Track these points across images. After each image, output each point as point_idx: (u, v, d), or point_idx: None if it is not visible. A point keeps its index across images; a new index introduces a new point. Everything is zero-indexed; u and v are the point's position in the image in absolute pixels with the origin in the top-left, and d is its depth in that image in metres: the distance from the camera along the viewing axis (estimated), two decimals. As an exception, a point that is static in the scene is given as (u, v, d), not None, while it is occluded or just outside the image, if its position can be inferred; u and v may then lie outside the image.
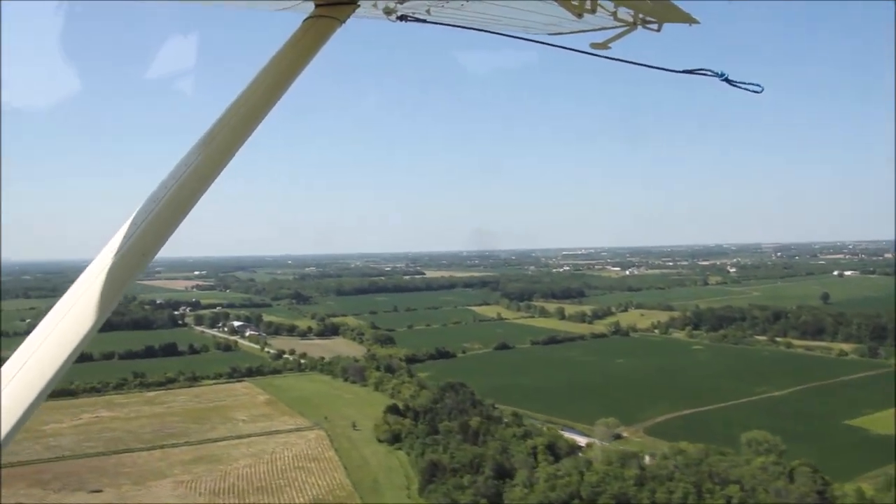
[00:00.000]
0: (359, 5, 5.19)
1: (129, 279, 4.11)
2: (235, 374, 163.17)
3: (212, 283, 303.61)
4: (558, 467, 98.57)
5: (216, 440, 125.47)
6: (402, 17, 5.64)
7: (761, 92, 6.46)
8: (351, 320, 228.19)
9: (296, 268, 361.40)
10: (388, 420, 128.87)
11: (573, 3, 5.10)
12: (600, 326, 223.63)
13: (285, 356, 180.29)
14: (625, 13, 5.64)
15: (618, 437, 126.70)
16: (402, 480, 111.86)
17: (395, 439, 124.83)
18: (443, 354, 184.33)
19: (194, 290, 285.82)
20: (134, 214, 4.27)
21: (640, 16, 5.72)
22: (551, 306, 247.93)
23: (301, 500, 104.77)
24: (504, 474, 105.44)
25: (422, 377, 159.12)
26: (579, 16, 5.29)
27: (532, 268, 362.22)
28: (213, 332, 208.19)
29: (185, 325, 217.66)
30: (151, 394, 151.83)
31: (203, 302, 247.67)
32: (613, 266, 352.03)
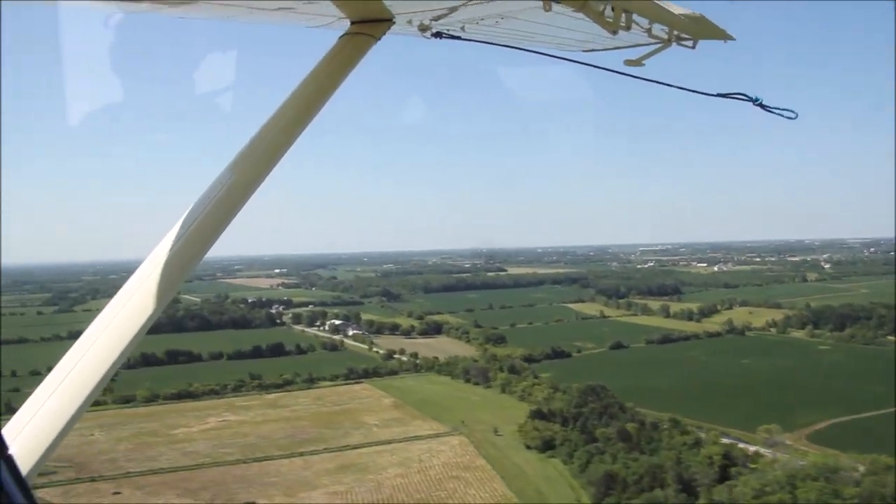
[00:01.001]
0: (394, 22, 5.14)
1: (168, 292, 4.14)
2: (352, 376, 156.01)
3: (296, 281, 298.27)
4: (764, 481, 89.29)
5: (355, 447, 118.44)
6: (437, 35, 5.62)
7: (795, 118, 6.66)
8: (448, 318, 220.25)
9: (373, 265, 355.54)
10: (536, 426, 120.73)
11: (607, 19, 4.95)
12: (711, 325, 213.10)
13: (396, 356, 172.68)
14: (659, 30, 5.61)
15: (773, 444, 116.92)
16: (567, 492, 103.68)
17: (546, 446, 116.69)
18: (558, 354, 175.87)
19: (280, 287, 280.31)
20: (178, 225, 4.34)
21: (675, 32, 5.72)
22: (653, 304, 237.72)
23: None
24: (686, 488, 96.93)
25: (543, 378, 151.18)
26: (614, 32, 5.11)
27: (614, 264, 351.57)
28: (314, 330, 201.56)
29: (283, 324, 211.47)
30: (271, 396, 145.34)
31: (294, 300, 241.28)
32: (699, 262, 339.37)
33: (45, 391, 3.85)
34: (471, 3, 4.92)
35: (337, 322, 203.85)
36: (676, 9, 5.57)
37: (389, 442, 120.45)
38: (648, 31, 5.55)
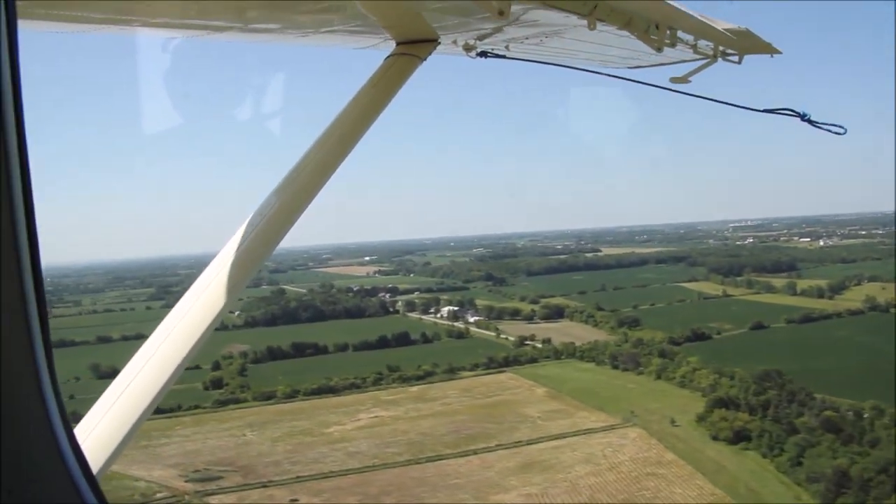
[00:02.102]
0: (439, 42, 5.17)
1: (226, 302, 4.58)
2: (492, 365, 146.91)
3: (391, 268, 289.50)
4: None
5: (529, 442, 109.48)
6: (482, 54, 5.65)
7: (844, 134, 6.56)
8: (561, 301, 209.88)
9: (461, 249, 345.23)
10: (724, 416, 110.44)
11: (653, 37, 4.97)
12: (846, 302, 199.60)
13: (528, 343, 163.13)
14: (705, 45, 5.63)
15: None
16: (781, 489, 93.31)
17: (737, 438, 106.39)
18: (698, 336, 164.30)
19: (377, 275, 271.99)
20: (237, 242, 4.60)
21: (721, 48, 5.76)
22: (776, 281, 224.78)
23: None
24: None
25: (692, 361, 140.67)
26: (659, 49, 5.15)
27: (711, 241, 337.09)
28: (430, 318, 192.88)
29: (395, 311, 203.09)
30: (414, 389, 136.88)
31: (400, 287, 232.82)
32: (801, 237, 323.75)
33: (115, 390, 4.12)
34: (515, 22, 4.72)
35: (453, 309, 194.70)
36: (721, 24, 5.47)
37: (563, 436, 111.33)
38: (693, 47, 5.48)
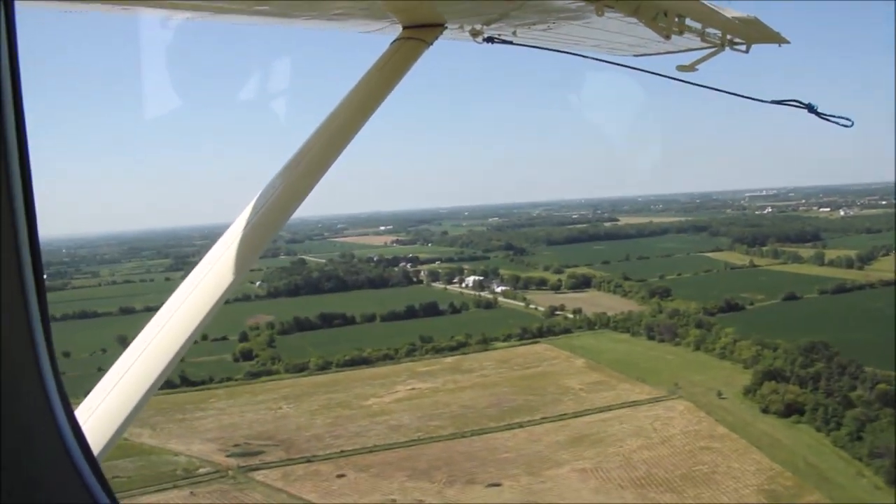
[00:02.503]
0: (446, 27, 5.21)
1: (232, 280, 4.44)
2: (526, 336, 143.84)
3: (410, 238, 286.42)
4: None
5: (575, 415, 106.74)
6: (489, 40, 5.61)
7: (851, 126, 6.63)
8: (586, 271, 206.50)
9: (476, 219, 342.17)
10: (775, 388, 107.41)
11: (661, 24, 4.98)
12: (876, 272, 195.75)
13: (558, 313, 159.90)
14: (712, 34, 5.60)
15: None
16: (839, 463, 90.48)
17: (788, 411, 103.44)
18: (731, 307, 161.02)
19: (395, 245, 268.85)
20: (244, 221, 4.61)
21: (728, 36, 5.72)
22: (803, 252, 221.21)
23: (748, 491, 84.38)
24: None
25: (729, 332, 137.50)
26: (667, 37, 5.18)
27: (729, 210, 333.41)
28: (455, 288, 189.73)
29: (419, 281, 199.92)
30: (449, 360, 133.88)
31: (420, 257, 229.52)
32: (820, 207, 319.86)
33: (120, 368, 4.04)
34: (522, 8, 4.80)
35: (478, 279, 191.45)
36: (730, 12, 5.44)
37: (609, 408, 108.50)
38: (701, 35, 5.43)
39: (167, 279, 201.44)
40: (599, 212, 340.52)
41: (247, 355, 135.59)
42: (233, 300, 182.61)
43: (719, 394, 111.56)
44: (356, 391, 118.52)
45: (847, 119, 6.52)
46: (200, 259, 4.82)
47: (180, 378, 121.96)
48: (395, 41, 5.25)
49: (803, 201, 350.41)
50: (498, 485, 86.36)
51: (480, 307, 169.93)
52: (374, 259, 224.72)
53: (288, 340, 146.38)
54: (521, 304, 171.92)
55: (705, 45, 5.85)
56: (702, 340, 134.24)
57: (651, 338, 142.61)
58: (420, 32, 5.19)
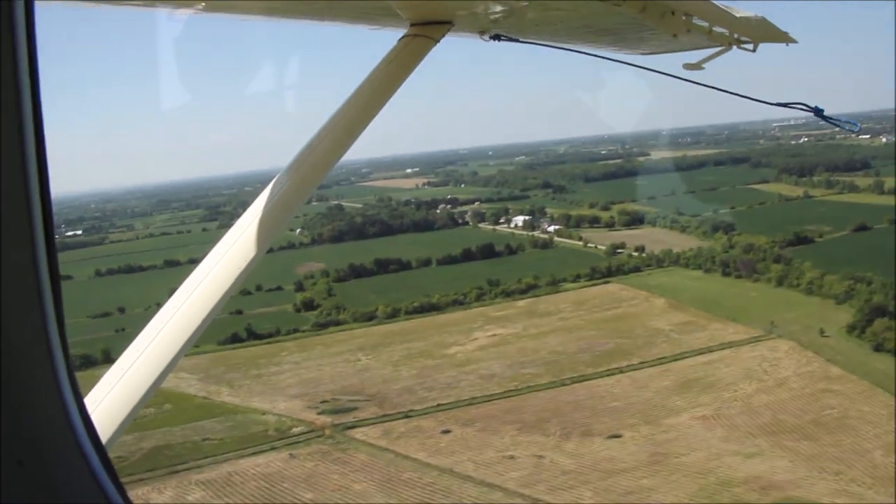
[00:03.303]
0: (453, 25, 5.19)
1: (240, 273, 4.50)
2: (596, 275, 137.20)
3: (439, 179, 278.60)
4: None
5: (675, 358, 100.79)
6: (496, 37, 5.60)
7: (858, 130, 12.84)
8: (634, 207, 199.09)
9: (502, 158, 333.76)
10: (889, 325, 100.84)
11: (668, 23, 4.98)
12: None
13: (619, 251, 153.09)
14: (719, 33, 5.67)
15: None
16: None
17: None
18: (801, 240, 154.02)
19: (426, 187, 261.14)
20: (253, 214, 4.65)
21: (735, 35, 5.80)
22: (860, 181, 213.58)
23: (892, 438, 78.12)
24: None
25: (805, 266, 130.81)
26: (674, 36, 5.22)
27: (762, 141, 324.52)
28: (503, 228, 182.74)
29: (465, 223, 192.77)
30: (521, 303, 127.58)
31: (460, 198, 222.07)
32: (861, 134, 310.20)
33: (130, 357, 4.07)
34: (530, 6, 4.78)
35: (526, 218, 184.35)
36: (738, 11, 5.51)
37: (708, 350, 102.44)
38: (709, 33, 5.46)
39: (204, 230, 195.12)
40: (627, 147, 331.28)
41: (308, 305, 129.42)
42: (277, 248, 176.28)
43: (822, 332, 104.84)
44: (433, 339, 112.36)
45: (854, 123, 6.80)
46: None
47: (246, 331, 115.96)
48: (402, 38, 5.12)
49: (837, 129, 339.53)
50: (618, 436, 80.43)
51: (537, 247, 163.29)
52: (413, 202, 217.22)
53: (346, 288, 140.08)
54: (578, 243, 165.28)
55: (712, 43, 5.77)
56: (784, 276, 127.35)
57: (727, 274, 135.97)
58: (428, 30, 5.07)
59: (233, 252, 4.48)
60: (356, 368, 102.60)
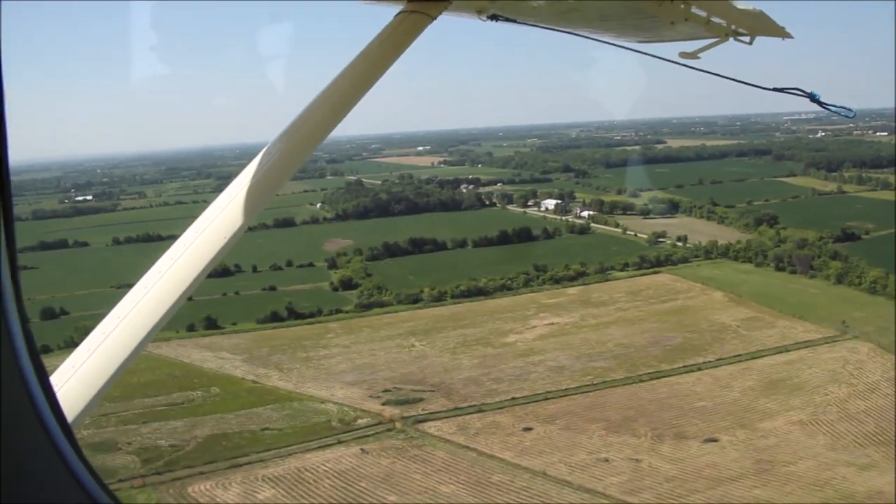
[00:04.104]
0: (451, 2, 5.08)
1: (224, 241, 4.44)
2: (645, 265, 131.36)
3: (454, 159, 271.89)
4: None
5: (752, 356, 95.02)
6: (494, 17, 5.50)
7: (853, 116, 6.78)
8: (665, 195, 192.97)
9: (513, 139, 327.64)
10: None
11: (666, 11, 4.95)
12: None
13: (661, 240, 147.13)
14: (717, 23, 5.64)
15: None
16: None
17: None
18: (848, 237, 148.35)
19: (442, 165, 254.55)
20: (242, 182, 4.56)
21: (733, 27, 5.80)
22: (892, 177, 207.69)
23: None
24: None
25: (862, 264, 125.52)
26: (672, 23, 5.20)
27: (777, 134, 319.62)
28: (534, 211, 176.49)
29: (492, 204, 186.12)
30: (573, 291, 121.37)
31: (482, 178, 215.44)
32: (878, 132, 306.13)
33: (104, 330, 3.94)
34: None
35: (557, 202, 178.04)
36: (737, 4, 5.53)
37: (785, 349, 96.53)
38: (706, 23, 5.47)
39: None
40: (641, 133, 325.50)
41: (347, 284, 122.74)
42: (301, 223, 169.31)
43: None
44: (487, 326, 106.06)
45: (849, 109, 6.39)
46: None
47: (287, 310, 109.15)
48: (399, 13, 5.03)
49: (851, 124, 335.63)
50: (715, 440, 74.39)
51: (574, 233, 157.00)
52: (435, 180, 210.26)
53: (381, 267, 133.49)
54: (616, 229, 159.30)
55: (709, 34, 5.72)
56: (844, 273, 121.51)
57: (780, 269, 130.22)
58: (425, 6, 4.98)
59: (219, 221, 4.26)
60: (412, 355, 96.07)
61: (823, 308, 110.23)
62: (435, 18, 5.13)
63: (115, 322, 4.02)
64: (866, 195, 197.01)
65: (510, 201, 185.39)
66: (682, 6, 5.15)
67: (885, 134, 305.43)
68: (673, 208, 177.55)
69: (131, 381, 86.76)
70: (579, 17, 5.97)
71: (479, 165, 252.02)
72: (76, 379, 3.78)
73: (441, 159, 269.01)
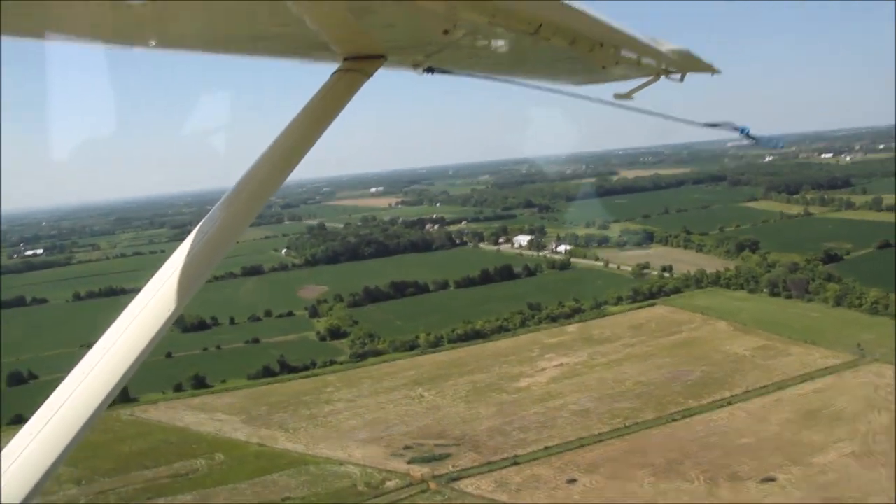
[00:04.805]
0: (386, 59, 5.08)
1: (169, 315, 4.10)
2: (639, 297, 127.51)
3: (412, 199, 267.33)
4: None
5: (778, 387, 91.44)
6: (429, 70, 5.52)
7: (782, 148, 16.57)
8: (634, 226, 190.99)
9: (463, 177, 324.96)
10: None
11: (597, 55, 4.99)
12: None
13: (646, 272, 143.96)
14: (648, 63, 5.70)
15: None
16: None
17: None
18: (832, 258, 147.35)
19: (400, 206, 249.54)
20: (184, 252, 4.32)
21: (663, 66, 5.90)
22: (856, 198, 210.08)
23: None
24: None
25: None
26: (603, 67, 5.27)
27: (726, 160, 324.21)
28: (507, 248, 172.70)
29: (463, 243, 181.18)
30: (572, 328, 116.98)
31: (446, 218, 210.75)
32: (820, 153, 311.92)
33: (53, 405, 3.75)
34: (461, 40, 4.60)
35: (529, 238, 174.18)
36: (664, 45, 5.56)
37: (810, 377, 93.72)
38: (638, 64, 5.49)
39: None
40: (592, 165, 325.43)
41: (335, 333, 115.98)
42: (269, 270, 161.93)
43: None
44: (495, 371, 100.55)
45: (777, 141, 6.81)
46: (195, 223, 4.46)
47: (279, 363, 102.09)
48: (335, 73, 4.96)
49: (793, 148, 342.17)
50: (773, 479, 69.51)
51: (554, 268, 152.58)
52: (399, 221, 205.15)
53: (366, 313, 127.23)
54: (596, 263, 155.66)
55: (641, 74, 5.78)
56: (843, 295, 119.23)
57: (775, 294, 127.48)
58: (360, 64, 4.93)
59: (164, 291, 4.01)
60: (423, 406, 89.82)
61: (831, 332, 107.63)
62: (371, 76, 5.04)
63: (55, 408, 3.67)
64: (832, 216, 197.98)
65: (481, 239, 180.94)
66: (613, 50, 5.05)
67: (830, 155, 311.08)
68: (648, 238, 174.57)
69: (123, 449, 79.20)
70: (514, 67, 6.02)
71: (438, 204, 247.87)
72: (20, 462, 3.53)
73: (398, 200, 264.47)
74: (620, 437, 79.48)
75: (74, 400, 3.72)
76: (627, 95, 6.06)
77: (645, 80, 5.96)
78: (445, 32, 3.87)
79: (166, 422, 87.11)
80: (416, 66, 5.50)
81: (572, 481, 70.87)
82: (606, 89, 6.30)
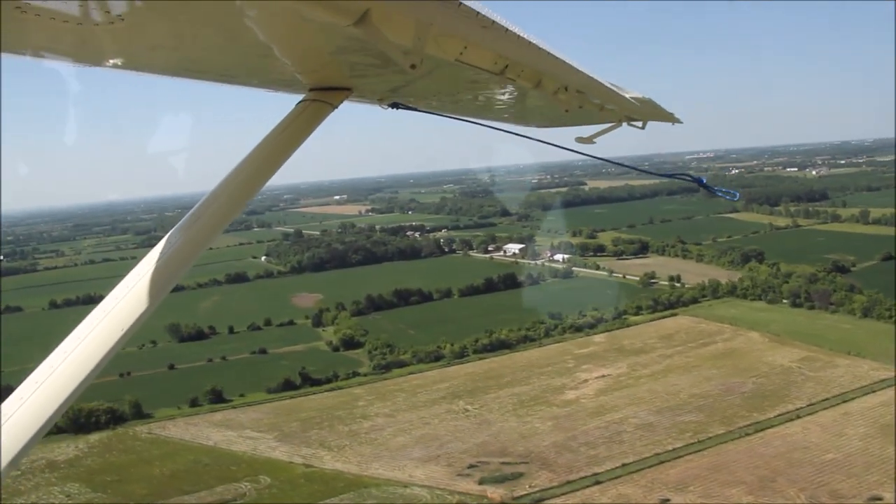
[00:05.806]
0: (352, 91, 5.12)
1: (122, 334, 4.01)
2: (659, 307, 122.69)
3: (382, 207, 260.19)
4: None
5: (843, 399, 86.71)
6: (395, 105, 5.59)
7: (737, 199, 7.51)
8: (623, 235, 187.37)
9: (425, 186, 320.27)
10: None
11: (561, 98, 5.04)
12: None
13: (653, 281, 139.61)
14: (611, 109, 5.77)
15: None
16: None
17: None
18: (839, 269, 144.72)
19: (370, 214, 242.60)
20: (140, 272, 4.24)
21: (626, 114, 5.98)
22: (841, 211, 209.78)
23: None
24: None
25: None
26: (566, 111, 5.26)
27: (692, 172, 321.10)
28: (499, 256, 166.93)
29: (452, 251, 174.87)
30: (600, 338, 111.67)
31: (426, 225, 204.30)
32: (788, 167, 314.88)
33: (28, 387, 3.68)
34: (428, 76, 4.77)
35: (521, 246, 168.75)
36: (628, 92, 5.62)
37: (869, 389, 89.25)
38: (601, 109, 5.58)
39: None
40: (557, 176, 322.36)
41: (348, 343, 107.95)
42: (254, 277, 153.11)
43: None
44: (535, 383, 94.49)
45: (732, 193, 6.81)
46: (165, 232, 4.45)
47: (300, 376, 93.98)
48: (300, 102, 4.94)
49: (755, 162, 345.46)
50: (879, 498, 64.18)
51: (557, 277, 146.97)
52: (377, 228, 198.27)
53: (374, 323, 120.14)
54: (599, 272, 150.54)
55: (604, 119, 5.87)
56: (870, 307, 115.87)
57: (796, 305, 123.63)
58: (326, 95, 4.91)
59: (118, 310, 3.91)
60: (472, 421, 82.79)
61: (870, 343, 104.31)
62: (336, 107, 4.98)
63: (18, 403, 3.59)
64: (821, 228, 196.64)
65: (470, 247, 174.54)
66: (577, 94, 5.05)
67: (795, 169, 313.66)
68: (643, 248, 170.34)
69: (153, 472, 70.49)
70: (478, 108, 5.97)
71: (410, 212, 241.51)
72: None
73: (367, 207, 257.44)
74: (698, 453, 73.59)
75: (39, 395, 3.55)
76: (589, 140, 6.09)
77: (607, 125, 6.05)
78: (412, 67, 3.59)
79: (190, 440, 78.40)
80: (381, 100, 5.47)
81: (665, 501, 64.52)
82: (569, 132, 6.25)
